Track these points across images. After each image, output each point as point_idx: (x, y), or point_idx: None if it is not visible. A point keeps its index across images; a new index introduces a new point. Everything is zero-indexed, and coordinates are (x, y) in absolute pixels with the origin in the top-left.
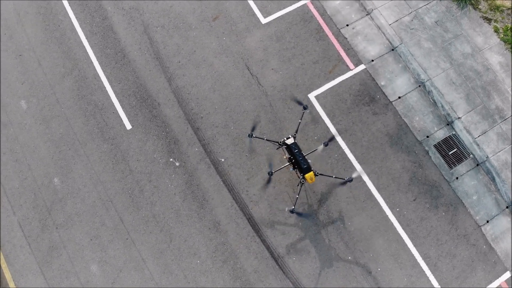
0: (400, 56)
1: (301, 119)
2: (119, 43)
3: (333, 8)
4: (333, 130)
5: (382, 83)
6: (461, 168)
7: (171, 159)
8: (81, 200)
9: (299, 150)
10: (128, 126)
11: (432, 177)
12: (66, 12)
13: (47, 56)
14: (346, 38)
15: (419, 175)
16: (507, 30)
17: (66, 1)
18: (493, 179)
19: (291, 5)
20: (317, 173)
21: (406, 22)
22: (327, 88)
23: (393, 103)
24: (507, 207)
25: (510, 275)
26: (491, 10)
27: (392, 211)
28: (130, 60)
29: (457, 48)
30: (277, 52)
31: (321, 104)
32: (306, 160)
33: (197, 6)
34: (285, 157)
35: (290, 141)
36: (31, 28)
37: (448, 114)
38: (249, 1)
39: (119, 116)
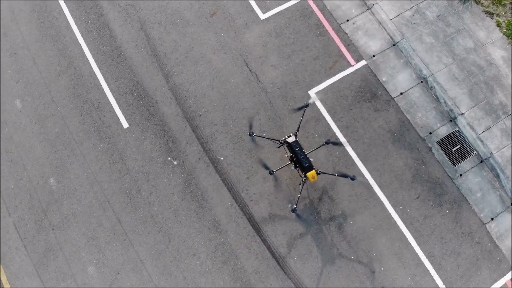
0: (402, 52)
1: (302, 117)
2: (115, 40)
3: (333, 3)
4: (336, 130)
5: (384, 79)
6: (465, 164)
7: (169, 158)
8: (77, 201)
9: (301, 148)
10: (125, 124)
11: (435, 174)
12: (61, 9)
13: (42, 54)
14: (347, 34)
15: (422, 172)
16: (510, 24)
17: None
18: (497, 176)
19: (290, 0)
20: (319, 171)
21: (407, 17)
22: (328, 84)
23: (395, 99)
24: None
25: None
26: (493, 4)
27: (395, 209)
28: (127, 58)
29: (460, 43)
30: (277, 48)
31: (321, 101)
32: (307, 159)
33: (194, 1)
34: (286, 155)
35: (291, 139)
36: (26, 25)
37: (451, 110)
38: None
39: (116, 115)
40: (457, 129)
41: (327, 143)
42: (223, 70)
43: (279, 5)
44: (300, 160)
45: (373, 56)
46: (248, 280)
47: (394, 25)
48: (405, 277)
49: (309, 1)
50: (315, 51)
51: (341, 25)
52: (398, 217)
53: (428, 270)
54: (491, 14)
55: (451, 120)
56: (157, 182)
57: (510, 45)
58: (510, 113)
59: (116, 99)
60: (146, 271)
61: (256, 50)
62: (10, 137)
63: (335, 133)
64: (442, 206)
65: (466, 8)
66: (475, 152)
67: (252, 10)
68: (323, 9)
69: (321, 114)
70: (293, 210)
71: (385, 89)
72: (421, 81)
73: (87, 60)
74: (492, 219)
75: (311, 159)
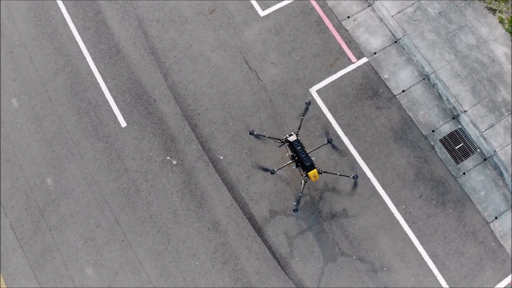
0: (404, 48)
1: (303, 115)
2: (113, 38)
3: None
4: (338, 129)
5: (385, 76)
6: (468, 163)
7: (168, 157)
8: (75, 201)
9: (302, 147)
10: (123, 123)
11: (438, 172)
12: (58, 7)
13: (38, 52)
14: (348, 31)
15: (425, 171)
16: None
17: None
18: (501, 174)
19: None
20: (321, 170)
21: (409, 13)
22: (329, 82)
23: (397, 96)
24: None
25: None
26: (495, 0)
27: (397, 208)
28: (125, 56)
29: (462, 39)
30: (277, 45)
31: (322, 99)
32: (309, 158)
33: None
34: (287, 154)
35: (292, 138)
36: (22, 24)
37: (454, 108)
38: None
39: (114, 114)
40: (460, 126)
41: (329, 141)
42: (223, 68)
43: (279, 2)
44: (301, 159)
45: (375, 53)
46: (249, 281)
47: (395, 21)
48: (408, 277)
49: None
50: (315, 48)
51: (342, 22)
52: (400, 216)
53: (431, 270)
54: (493, 11)
55: (454, 118)
56: (156, 182)
57: None
58: None
59: (113, 97)
60: (145, 272)
61: (256, 47)
62: (6, 136)
63: (336, 131)
64: (445, 205)
65: (468, 5)
66: (478, 150)
67: (252, 7)
68: (323, 5)
69: (322, 112)
70: (295, 210)
71: (387, 86)
72: (423, 78)
73: (84, 58)
74: (496, 218)
75: (312, 158)
